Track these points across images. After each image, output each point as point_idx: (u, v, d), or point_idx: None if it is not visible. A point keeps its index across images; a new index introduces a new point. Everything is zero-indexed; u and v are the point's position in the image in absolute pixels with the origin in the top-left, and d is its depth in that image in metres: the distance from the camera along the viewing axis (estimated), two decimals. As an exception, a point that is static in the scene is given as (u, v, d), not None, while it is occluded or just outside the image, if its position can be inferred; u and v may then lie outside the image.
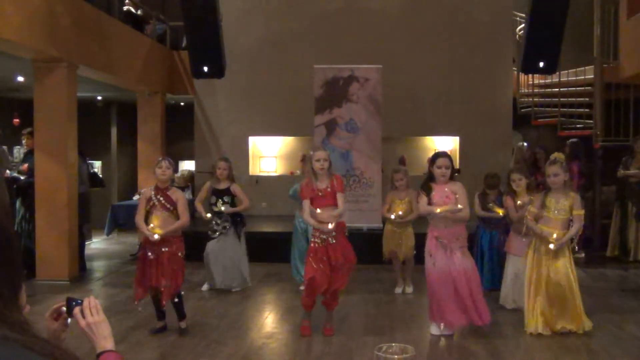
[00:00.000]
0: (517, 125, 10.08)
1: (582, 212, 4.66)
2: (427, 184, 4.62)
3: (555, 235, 4.53)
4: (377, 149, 7.86)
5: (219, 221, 6.01)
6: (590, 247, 8.17)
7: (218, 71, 7.87)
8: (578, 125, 9.32)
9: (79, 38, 6.71)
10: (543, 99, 9.80)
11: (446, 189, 4.52)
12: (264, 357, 4.26)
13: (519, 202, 5.36)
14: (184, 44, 9.38)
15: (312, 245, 4.62)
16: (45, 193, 6.51)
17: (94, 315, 1.57)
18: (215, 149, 9.99)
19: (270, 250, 7.42)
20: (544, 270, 4.60)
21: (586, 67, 9.16)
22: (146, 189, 4.92)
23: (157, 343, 4.48)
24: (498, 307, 5.47)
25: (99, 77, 7.91)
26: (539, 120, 9.68)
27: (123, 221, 8.24)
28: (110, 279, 6.98)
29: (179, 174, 9.78)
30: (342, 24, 9.54)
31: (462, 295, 4.44)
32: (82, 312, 1.57)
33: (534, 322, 4.61)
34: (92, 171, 7.76)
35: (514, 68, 9.65)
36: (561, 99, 9.29)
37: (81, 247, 7.42)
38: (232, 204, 5.99)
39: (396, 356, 1.53)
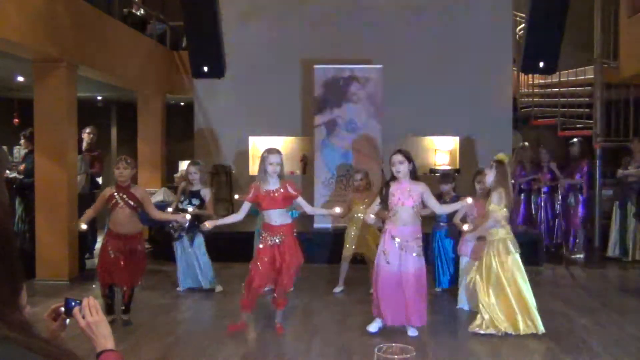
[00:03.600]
0: (517, 125, 10.07)
1: (497, 208, 4.61)
2: (386, 185, 4.66)
3: (465, 226, 5.11)
4: (377, 149, 7.86)
5: (175, 225, 5.91)
6: (590, 247, 8.17)
7: (218, 71, 7.87)
8: (578, 125, 9.32)
9: (79, 38, 6.71)
10: (543, 99, 9.80)
11: (409, 188, 4.52)
12: (264, 357, 4.26)
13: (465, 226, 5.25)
14: (184, 44, 9.38)
15: (260, 246, 4.57)
16: (45, 193, 6.50)
17: (93, 315, 1.57)
18: (215, 149, 9.98)
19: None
20: (494, 272, 4.65)
21: (586, 67, 9.16)
22: (107, 189, 5.05)
23: (157, 343, 4.48)
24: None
25: (99, 77, 7.91)
26: (539, 120, 9.68)
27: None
28: (110, 279, 6.96)
29: (178, 174, 9.77)
30: (342, 24, 9.53)
31: (406, 298, 4.45)
32: (81, 312, 1.58)
33: (499, 322, 4.61)
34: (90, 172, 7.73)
35: (514, 68, 9.64)
36: (561, 99, 9.29)
37: (85, 245, 7.42)
38: (201, 207, 5.89)
39: (396, 356, 1.53)
